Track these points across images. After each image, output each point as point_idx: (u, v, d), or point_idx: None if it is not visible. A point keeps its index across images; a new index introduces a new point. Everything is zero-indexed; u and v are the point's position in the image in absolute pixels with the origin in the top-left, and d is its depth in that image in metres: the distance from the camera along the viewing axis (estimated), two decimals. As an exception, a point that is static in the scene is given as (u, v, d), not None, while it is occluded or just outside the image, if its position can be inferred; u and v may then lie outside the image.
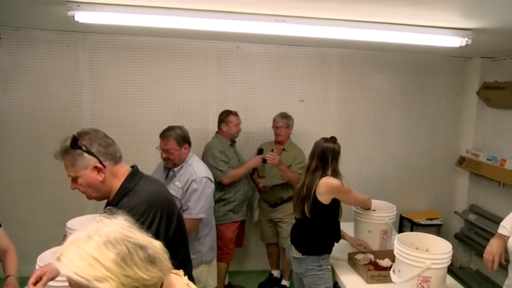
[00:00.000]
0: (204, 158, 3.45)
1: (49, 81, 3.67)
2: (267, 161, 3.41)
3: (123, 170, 1.69)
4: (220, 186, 3.39)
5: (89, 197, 1.67)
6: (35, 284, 1.51)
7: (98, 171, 1.59)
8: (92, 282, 0.90)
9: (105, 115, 3.80)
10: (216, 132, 3.59)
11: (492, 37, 2.95)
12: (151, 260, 0.99)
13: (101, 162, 1.59)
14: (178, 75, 3.88)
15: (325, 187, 2.49)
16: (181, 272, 1.27)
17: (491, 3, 2.09)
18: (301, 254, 2.57)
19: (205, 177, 2.73)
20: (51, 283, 1.56)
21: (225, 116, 3.52)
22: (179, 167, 2.77)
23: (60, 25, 3.36)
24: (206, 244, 2.92)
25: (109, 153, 1.63)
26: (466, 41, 2.74)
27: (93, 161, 1.58)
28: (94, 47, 3.71)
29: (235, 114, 3.55)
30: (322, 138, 2.63)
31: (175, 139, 2.72)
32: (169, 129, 2.78)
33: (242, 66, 3.97)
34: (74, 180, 1.60)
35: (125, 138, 3.83)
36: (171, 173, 2.80)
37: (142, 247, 0.99)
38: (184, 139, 2.77)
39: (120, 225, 1.02)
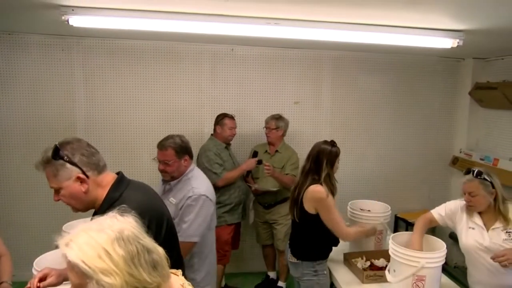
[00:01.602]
0: (198, 160, 3.46)
1: (43, 85, 3.67)
2: (266, 173, 3.43)
3: (108, 179, 1.65)
4: (215, 188, 3.39)
5: (74, 209, 1.63)
6: (40, 281, 1.50)
7: (81, 182, 1.55)
8: (98, 273, 0.90)
9: (100, 119, 3.80)
10: (212, 134, 3.61)
11: (483, 38, 2.99)
12: (155, 265, 1.01)
13: (84, 173, 1.55)
14: (173, 78, 3.89)
15: (310, 195, 2.42)
16: (179, 272, 1.28)
17: (481, 5, 2.13)
18: (296, 259, 2.54)
19: (203, 195, 2.40)
20: None
21: (220, 119, 3.54)
22: (176, 181, 2.49)
23: (54, 29, 3.36)
24: (201, 271, 2.54)
25: (92, 162, 1.58)
26: (458, 42, 2.77)
27: (75, 171, 1.53)
28: (88, 51, 3.71)
29: (231, 117, 3.56)
30: (322, 141, 2.56)
31: (174, 150, 2.44)
32: (168, 138, 2.53)
33: (236, 68, 3.98)
34: (57, 191, 1.57)
35: (120, 142, 3.83)
36: (167, 186, 2.54)
37: (149, 251, 1.01)
38: (184, 150, 2.49)
39: (131, 225, 1.03)
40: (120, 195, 1.61)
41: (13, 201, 3.76)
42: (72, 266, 0.93)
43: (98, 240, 0.95)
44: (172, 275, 1.22)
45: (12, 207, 3.76)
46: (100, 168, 1.61)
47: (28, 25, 3.20)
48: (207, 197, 2.42)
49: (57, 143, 1.56)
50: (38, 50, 3.62)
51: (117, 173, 1.71)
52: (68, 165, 1.52)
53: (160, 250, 1.07)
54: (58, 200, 1.59)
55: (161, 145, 2.49)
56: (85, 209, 1.63)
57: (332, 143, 2.54)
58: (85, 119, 3.78)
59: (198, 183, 2.45)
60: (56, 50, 3.65)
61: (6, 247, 2.12)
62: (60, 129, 3.70)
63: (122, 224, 1.02)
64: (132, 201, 1.60)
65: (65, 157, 1.52)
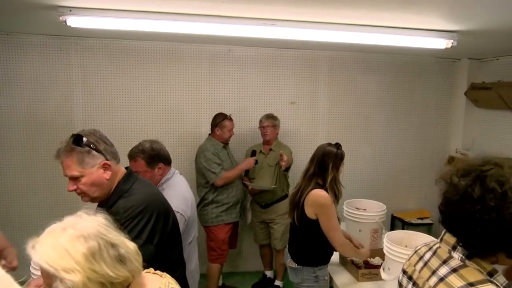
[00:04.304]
0: (196, 160, 3.49)
1: (41, 85, 3.68)
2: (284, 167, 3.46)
3: (122, 170, 1.72)
4: (213, 188, 3.43)
5: (88, 198, 1.65)
6: None
7: (105, 169, 1.61)
8: (60, 272, 0.94)
9: (98, 119, 3.82)
10: (209, 134, 3.63)
11: (477, 39, 3.02)
12: (121, 259, 1.04)
13: (107, 160, 1.62)
14: (171, 78, 3.91)
15: (312, 199, 2.33)
16: (164, 274, 1.29)
17: (474, 7, 2.16)
18: (296, 264, 2.46)
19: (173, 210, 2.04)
20: None
21: (219, 121, 3.53)
22: None
23: (53, 30, 3.37)
24: None
25: (113, 151, 1.67)
26: (452, 43, 2.79)
27: (101, 158, 1.60)
28: (86, 51, 3.72)
29: (230, 118, 3.56)
30: (327, 143, 2.47)
31: (143, 159, 2.31)
32: (138, 146, 2.37)
33: (233, 69, 4.01)
34: (76, 180, 1.58)
35: (118, 142, 3.76)
36: None
37: (113, 246, 1.04)
38: (156, 158, 2.33)
39: (96, 222, 1.07)
40: (130, 187, 1.67)
41: (11, 200, 3.77)
42: (39, 267, 0.98)
43: (59, 240, 0.99)
44: (150, 275, 1.25)
45: (10, 207, 3.77)
46: (118, 158, 1.70)
47: (26, 25, 3.22)
48: (177, 212, 2.13)
49: (79, 132, 1.60)
50: (36, 50, 3.63)
51: (126, 168, 1.77)
52: (94, 152, 1.58)
53: (130, 245, 1.09)
54: (74, 189, 1.61)
55: (130, 155, 2.35)
56: (102, 197, 1.67)
57: (338, 146, 2.45)
58: (83, 119, 3.80)
59: (170, 196, 2.11)
60: (54, 50, 3.67)
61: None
62: (59, 129, 3.72)
63: (86, 222, 1.05)
64: (141, 194, 1.67)
65: (92, 145, 1.58)
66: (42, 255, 0.97)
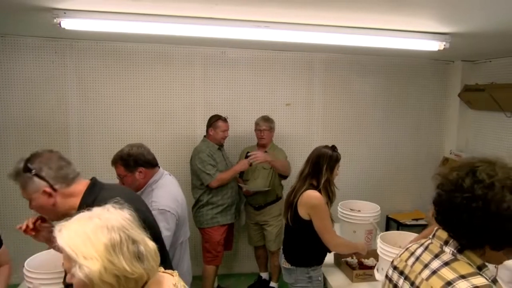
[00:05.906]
0: (191, 162, 3.49)
1: (36, 87, 3.68)
2: (253, 162, 3.43)
3: (80, 187, 1.62)
4: (208, 189, 3.43)
5: (46, 218, 1.65)
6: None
7: (48, 196, 1.55)
8: (80, 258, 0.99)
9: (92, 121, 3.81)
10: (204, 136, 3.63)
11: (469, 41, 3.05)
12: (139, 256, 1.06)
13: (51, 186, 1.54)
14: (165, 80, 3.91)
15: (305, 200, 2.35)
16: (175, 272, 1.31)
17: (466, 9, 2.18)
18: (290, 265, 2.48)
19: (163, 208, 2.22)
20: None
21: (213, 121, 3.54)
22: (140, 192, 2.36)
23: (47, 32, 3.37)
24: None
25: (59, 176, 1.57)
26: (444, 45, 2.82)
27: (42, 185, 1.53)
28: (81, 54, 3.72)
29: (224, 119, 3.56)
30: (323, 145, 2.50)
31: (122, 165, 2.34)
32: (118, 151, 2.40)
33: (227, 71, 4.01)
34: (29, 201, 1.58)
35: (112, 144, 3.84)
36: None
37: (134, 242, 1.07)
38: (134, 163, 2.33)
39: (121, 216, 1.10)
40: (95, 198, 1.58)
41: (4, 203, 3.76)
42: (62, 250, 1.02)
43: (84, 227, 1.03)
44: (166, 274, 1.27)
45: (3, 209, 3.76)
46: (68, 181, 1.59)
47: (21, 27, 3.22)
48: (167, 211, 2.23)
49: (29, 156, 1.57)
50: (31, 52, 3.63)
51: (91, 179, 1.68)
52: (35, 178, 1.53)
53: (150, 244, 1.12)
54: (32, 209, 1.61)
55: (111, 161, 2.39)
56: (57, 219, 1.60)
57: (333, 148, 2.48)
58: (77, 122, 3.79)
59: (159, 196, 2.25)
60: (49, 52, 3.66)
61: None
62: (53, 131, 3.71)
63: (112, 214, 1.09)
64: (108, 200, 1.62)
65: (33, 171, 1.53)
66: (66, 239, 1.01)
